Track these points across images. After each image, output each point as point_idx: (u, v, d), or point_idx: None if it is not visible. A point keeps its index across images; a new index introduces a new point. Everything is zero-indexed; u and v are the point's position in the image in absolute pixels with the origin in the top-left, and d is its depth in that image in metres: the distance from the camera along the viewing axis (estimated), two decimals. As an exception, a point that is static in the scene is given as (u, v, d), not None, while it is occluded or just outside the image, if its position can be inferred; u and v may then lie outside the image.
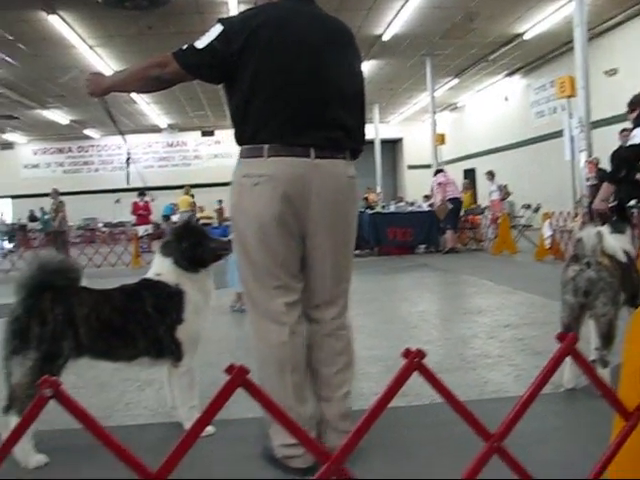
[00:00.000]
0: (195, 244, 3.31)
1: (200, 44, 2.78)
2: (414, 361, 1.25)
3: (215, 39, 2.76)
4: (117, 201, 31.04)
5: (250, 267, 2.85)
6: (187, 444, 1.19)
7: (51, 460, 3.00)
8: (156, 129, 31.37)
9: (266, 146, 2.76)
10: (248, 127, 2.82)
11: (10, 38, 16.22)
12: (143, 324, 3.13)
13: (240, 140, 2.90)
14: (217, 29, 2.78)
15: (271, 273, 2.80)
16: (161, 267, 3.32)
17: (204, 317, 3.33)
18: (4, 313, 3.08)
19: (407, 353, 1.25)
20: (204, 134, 33.12)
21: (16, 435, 1.19)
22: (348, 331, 3.01)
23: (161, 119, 29.35)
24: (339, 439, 2.74)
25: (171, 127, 31.24)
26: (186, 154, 33.33)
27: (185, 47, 2.83)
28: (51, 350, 2.92)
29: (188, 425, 3.22)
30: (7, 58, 17.92)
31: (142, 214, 20.72)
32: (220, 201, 28.27)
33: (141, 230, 19.73)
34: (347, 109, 2.92)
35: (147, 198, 20.85)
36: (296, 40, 2.81)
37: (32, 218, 30.70)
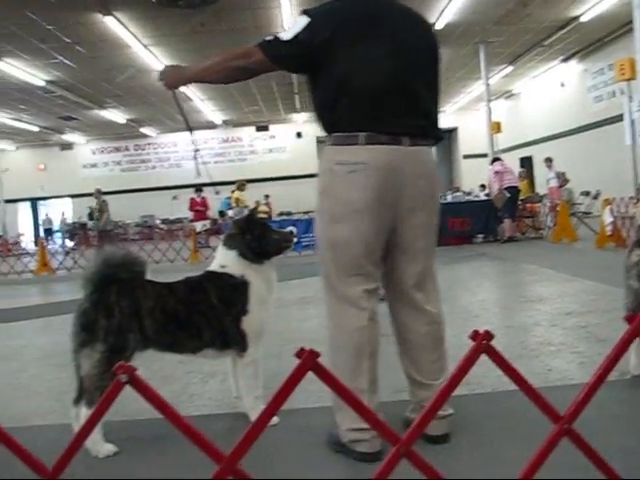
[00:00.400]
0: (259, 236, 3.35)
1: (286, 36, 2.84)
2: (482, 343, 1.24)
3: (301, 31, 2.80)
4: (174, 198, 31.53)
5: (333, 253, 2.88)
6: (258, 429, 1.20)
7: (120, 450, 3.06)
8: (211, 125, 31.62)
9: (362, 134, 2.80)
10: (341, 115, 2.85)
11: (68, 41, 16.55)
12: (208, 316, 3.18)
13: (331, 127, 2.92)
14: (303, 21, 2.83)
15: (356, 260, 2.84)
16: (226, 259, 3.36)
17: (268, 308, 3.37)
18: (72, 308, 3.16)
19: (475, 335, 1.24)
20: (259, 129, 33.28)
21: (92, 421, 1.21)
22: (442, 317, 3.07)
23: (216, 115, 29.59)
24: (437, 425, 2.83)
25: (226, 123, 31.48)
26: (241, 149, 33.55)
27: (270, 38, 2.89)
28: (118, 342, 2.99)
29: (253, 415, 3.26)
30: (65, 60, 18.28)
31: (199, 210, 20.95)
32: (267, 196, 28.44)
33: (199, 226, 19.96)
34: (431, 98, 3.01)
35: (204, 194, 21.09)
36: (385, 30, 2.87)
37: (91, 217, 31.32)
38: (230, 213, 20.48)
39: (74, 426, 3.15)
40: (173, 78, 3.17)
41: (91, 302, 3.02)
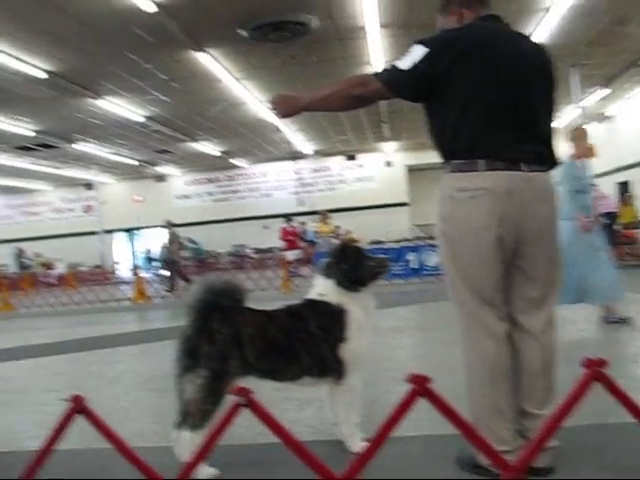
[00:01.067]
0: (354, 264, 3.37)
1: (403, 65, 2.91)
2: (595, 370, 1.23)
3: (420, 60, 2.87)
4: (265, 227, 31.92)
5: (464, 279, 2.93)
6: (371, 451, 1.22)
7: (222, 474, 3.11)
8: (301, 155, 31.89)
9: (481, 160, 2.85)
10: (461, 142, 2.90)
11: (164, 78, 17.11)
12: (307, 343, 3.22)
13: (451, 155, 2.97)
14: (420, 50, 2.89)
15: (485, 286, 2.89)
16: (324, 288, 3.40)
17: (366, 335, 3.38)
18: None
19: (588, 363, 1.23)
20: (348, 158, 33.45)
21: (211, 441, 1.26)
22: (556, 346, 3.04)
23: (306, 145, 29.90)
24: (542, 457, 2.76)
25: (316, 153, 31.76)
26: (331, 179, 33.76)
27: (388, 67, 2.99)
28: (219, 368, 3.06)
29: (351, 442, 3.27)
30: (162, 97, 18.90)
31: (290, 239, 21.16)
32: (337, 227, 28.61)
33: (290, 255, 20.15)
34: (549, 123, 3.03)
35: (294, 223, 21.32)
36: (504, 57, 2.90)
37: (180, 246, 32.01)
38: (321, 242, 20.61)
39: (175, 448, 3.22)
40: (286, 106, 3.26)
41: (194, 329, 3.11)
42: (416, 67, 2.87)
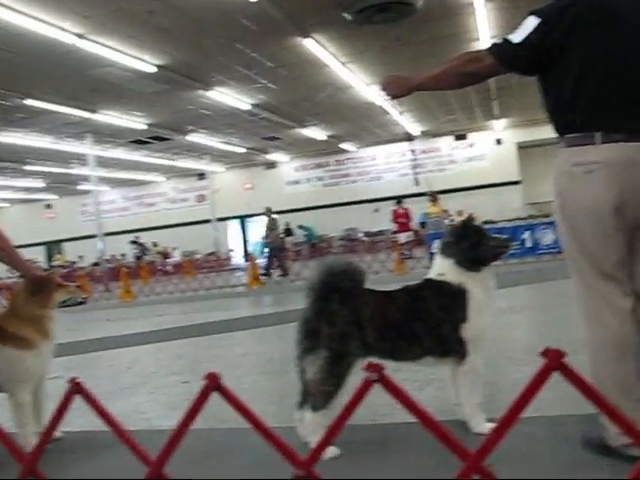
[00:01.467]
0: (475, 243, 3.32)
1: (516, 38, 2.84)
2: None
3: (532, 32, 2.79)
4: (376, 210, 31.92)
5: (584, 255, 2.84)
6: (502, 429, 1.20)
7: (343, 452, 3.14)
8: (409, 137, 31.59)
9: (598, 133, 2.75)
10: (577, 115, 2.81)
11: (271, 65, 17.32)
12: (428, 323, 3.20)
13: (566, 129, 2.88)
14: (532, 21, 2.81)
15: (606, 261, 2.79)
16: (443, 267, 3.37)
17: (488, 315, 3.33)
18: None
19: None
20: (457, 138, 32.94)
21: (343, 419, 1.27)
22: None
23: (414, 127, 29.65)
24: None
25: (424, 134, 31.45)
26: (440, 159, 33.34)
27: (500, 42, 2.92)
28: (340, 349, 3.08)
29: (473, 422, 3.24)
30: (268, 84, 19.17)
31: (402, 222, 21.07)
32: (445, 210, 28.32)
33: (402, 237, 20.06)
34: None
35: (406, 205, 21.21)
36: (622, 24, 2.77)
37: (287, 232, 32.55)
38: (431, 223, 20.45)
39: (298, 429, 3.28)
40: (397, 87, 3.24)
41: (314, 310, 3.15)
42: (529, 39, 2.79)
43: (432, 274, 3.41)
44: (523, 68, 2.94)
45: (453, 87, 3.20)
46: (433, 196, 19.82)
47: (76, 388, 1.37)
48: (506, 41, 2.88)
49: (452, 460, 1.25)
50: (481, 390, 3.33)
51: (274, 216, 18.87)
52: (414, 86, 3.20)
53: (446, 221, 20.53)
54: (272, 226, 18.58)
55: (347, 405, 1.24)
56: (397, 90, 3.25)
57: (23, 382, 3.85)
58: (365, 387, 1.18)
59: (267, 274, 18.04)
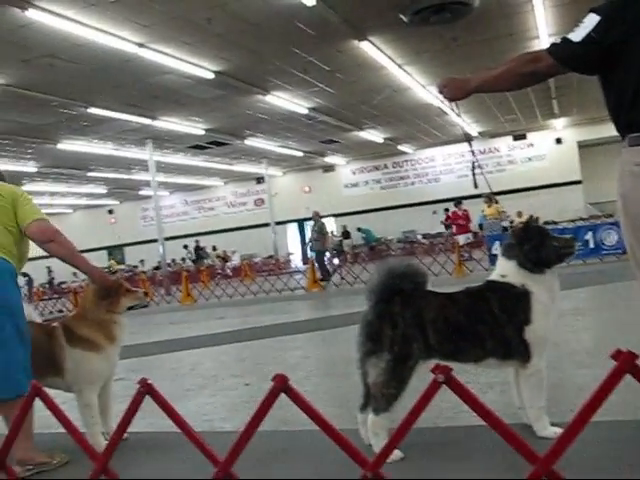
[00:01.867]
0: (538, 245, 3.26)
1: (576, 36, 2.80)
2: None
3: (592, 30, 2.75)
4: (434, 212, 31.73)
5: None
6: (573, 433, 1.19)
7: (405, 456, 3.13)
8: (472, 137, 31.28)
9: None
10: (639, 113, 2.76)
11: (327, 69, 17.38)
12: (490, 325, 3.16)
13: (628, 128, 2.83)
14: (593, 19, 2.77)
15: None
16: (505, 269, 3.32)
17: (551, 318, 3.28)
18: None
19: None
20: (516, 138, 32.48)
21: (410, 421, 1.27)
22: None
23: (472, 128, 29.36)
24: None
25: (482, 134, 31.12)
26: (499, 160, 32.92)
27: (559, 41, 2.89)
28: (402, 352, 3.07)
29: (538, 426, 3.19)
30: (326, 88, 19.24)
31: (461, 223, 20.89)
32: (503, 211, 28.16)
33: (462, 239, 19.88)
34: None
35: (464, 207, 21.04)
36: None
37: (345, 235, 32.58)
38: (488, 224, 20.25)
39: (361, 431, 3.29)
40: (455, 89, 3.24)
41: (376, 313, 3.15)
42: (589, 37, 2.75)
43: (494, 276, 3.37)
44: (583, 67, 2.90)
45: (512, 88, 3.18)
46: (489, 197, 19.61)
47: (147, 388, 1.41)
48: (565, 40, 2.84)
49: (518, 464, 1.24)
50: (545, 393, 3.28)
51: (322, 220, 18.83)
52: (472, 88, 3.19)
53: (504, 223, 20.30)
54: (322, 230, 18.56)
55: (415, 406, 1.24)
56: (455, 92, 3.24)
57: (90, 383, 3.96)
58: (433, 389, 1.18)
59: (325, 279, 18.01)
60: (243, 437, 1.38)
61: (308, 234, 36.50)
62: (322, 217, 19.17)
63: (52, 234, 4.00)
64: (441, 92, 3.30)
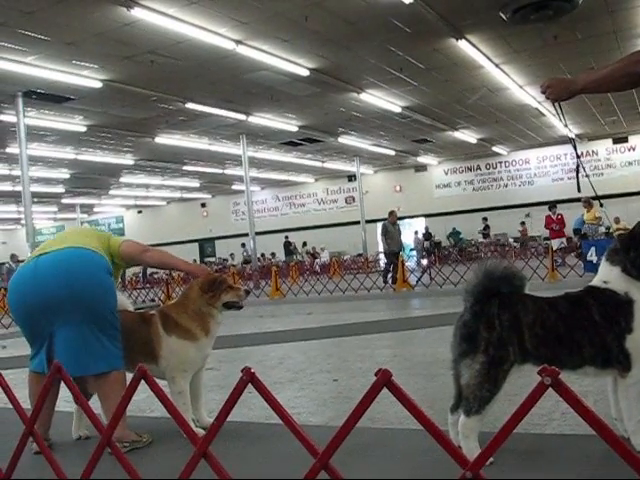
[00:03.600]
0: None
1: None
2: None
3: None
4: (527, 215, 31.13)
5: None
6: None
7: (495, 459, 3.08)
8: (562, 140, 30.48)
9: None
10: None
11: (423, 67, 17.26)
12: (589, 332, 3.05)
13: None
14: None
15: None
16: (608, 275, 3.20)
17: None
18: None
19: None
20: (615, 141, 31.47)
21: (515, 421, 1.25)
22: None
23: (569, 129, 28.60)
24: None
25: (579, 137, 30.29)
26: (597, 163, 31.95)
27: None
28: (498, 355, 3.01)
29: (637, 439, 3.08)
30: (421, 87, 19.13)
31: (555, 228, 20.43)
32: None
33: (555, 244, 19.41)
34: None
35: (559, 211, 20.56)
36: None
37: (427, 236, 32.36)
38: (586, 229, 19.70)
39: (450, 432, 3.25)
40: (560, 90, 3.16)
41: (473, 314, 3.09)
42: None
43: (596, 281, 3.26)
44: None
45: (621, 89, 3.08)
46: (588, 202, 19.08)
47: (249, 377, 1.42)
48: None
49: (620, 473, 1.20)
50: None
51: (388, 223, 18.63)
52: (578, 89, 3.11)
53: (601, 229, 19.71)
54: (388, 232, 18.39)
55: (519, 408, 1.22)
56: (559, 93, 3.16)
57: (183, 371, 4.07)
58: (539, 391, 1.15)
59: (386, 281, 17.91)
60: (343, 429, 1.38)
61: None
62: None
63: (144, 246, 4.35)
64: (544, 92, 3.22)
